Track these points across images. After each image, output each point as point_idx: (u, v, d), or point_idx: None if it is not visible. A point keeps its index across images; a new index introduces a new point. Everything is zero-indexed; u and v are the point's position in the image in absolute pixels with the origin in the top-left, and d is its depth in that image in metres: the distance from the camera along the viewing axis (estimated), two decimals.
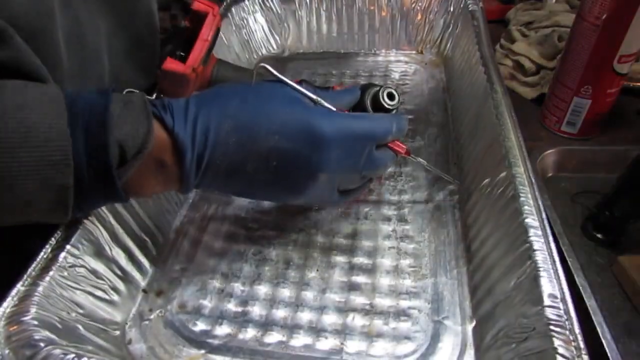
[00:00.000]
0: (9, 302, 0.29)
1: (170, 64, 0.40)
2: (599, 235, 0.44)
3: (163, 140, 0.29)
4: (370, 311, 0.37)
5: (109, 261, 0.36)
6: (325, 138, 0.32)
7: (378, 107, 0.38)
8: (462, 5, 0.63)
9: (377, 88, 0.38)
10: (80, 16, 0.37)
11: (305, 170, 0.33)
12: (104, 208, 0.36)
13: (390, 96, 0.38)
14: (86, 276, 0.34)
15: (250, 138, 0.31)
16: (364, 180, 0.39)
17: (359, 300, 0.38)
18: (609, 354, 0.32)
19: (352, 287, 0.39)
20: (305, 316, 0.37)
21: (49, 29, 0.32)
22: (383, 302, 0.38)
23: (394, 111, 0.38)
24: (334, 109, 0.35)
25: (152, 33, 0.46)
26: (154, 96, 0.41)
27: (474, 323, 0.36)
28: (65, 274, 0.32)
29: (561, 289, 0.29)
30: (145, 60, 0.46)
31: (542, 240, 0.31)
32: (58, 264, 0.32)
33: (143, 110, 0.29)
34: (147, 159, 0.29)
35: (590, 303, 0.35)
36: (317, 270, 0.41)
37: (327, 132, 0.32)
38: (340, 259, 0.42)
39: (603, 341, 0.33)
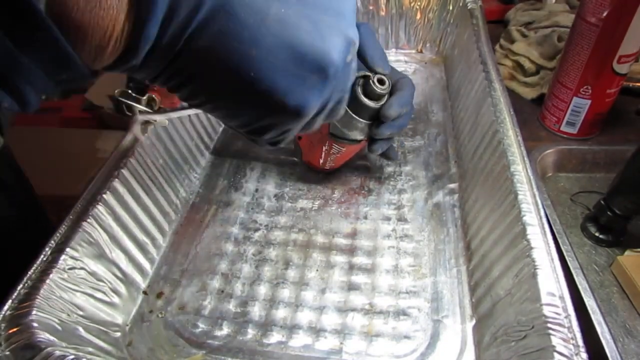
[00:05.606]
0: (9, 304, 0.29)
1: None
2: (598, 235, 0.44)
3: None
4: (369, 311, 0.37)
5: (109, 263, 0.36)
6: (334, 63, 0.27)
7: (369, 93, 0.38)
8: (460, 4, 0.63)
9: (367, 75, 0.38)
10: None
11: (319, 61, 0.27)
12: (102, 210, 0.36)
13: (381, 81, 0.38)
14: (86, 278, 0.34)
15: None
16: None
17: (358, 299, 0.38)
18: (608, 354, 0.32)
19: (352, 287, 0.39)
20: (304, 316, 0.37)
21: None
22: (383, 301, 0.38)
23: (385, 96, 0.39)
24: None
25: None
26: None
27: (473, 321, 0.36)
28: (65, 276, 0.32)
29: (559, 286, 0.29)
30: None
31: (541, 237, 0.31)
32: (58, 267, 0.32)
33: None
34: None
35: (590, 303, 0.35)
36: (317, 270, 0.41)
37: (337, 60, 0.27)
38: (339, 258, 0.42)
39: (602, 341, 0.32)
